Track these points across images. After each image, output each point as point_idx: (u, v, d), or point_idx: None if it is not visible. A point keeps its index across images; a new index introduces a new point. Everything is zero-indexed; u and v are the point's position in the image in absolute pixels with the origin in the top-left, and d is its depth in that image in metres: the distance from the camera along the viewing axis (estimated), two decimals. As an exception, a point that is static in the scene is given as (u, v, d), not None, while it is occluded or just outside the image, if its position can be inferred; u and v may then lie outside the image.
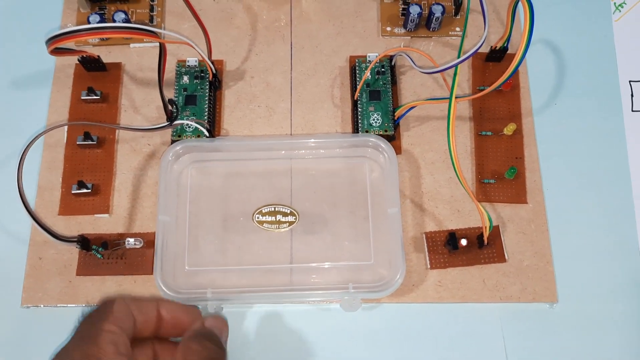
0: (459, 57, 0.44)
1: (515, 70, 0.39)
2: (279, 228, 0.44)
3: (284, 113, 0.48)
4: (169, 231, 0.43)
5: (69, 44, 0.44)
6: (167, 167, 0.44)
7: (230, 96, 0.49)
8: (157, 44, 0.41)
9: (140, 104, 0.49)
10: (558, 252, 0.45)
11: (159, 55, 0.41)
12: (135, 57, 0.50)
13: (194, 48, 0.42)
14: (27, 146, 0.40)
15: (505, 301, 0.43)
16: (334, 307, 0.43)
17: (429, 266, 0.44)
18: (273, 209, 0.44)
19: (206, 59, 0.44)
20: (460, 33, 0.50)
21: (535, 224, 0.45)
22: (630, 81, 0.49)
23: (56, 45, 0.38)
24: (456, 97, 0.40)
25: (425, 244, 0.44)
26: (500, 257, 0.44)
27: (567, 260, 0.44)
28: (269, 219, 0.44)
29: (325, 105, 0.49)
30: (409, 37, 0.50)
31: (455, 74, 0.41)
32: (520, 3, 0.40)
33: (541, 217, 0.45)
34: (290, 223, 0.44)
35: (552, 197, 0.46)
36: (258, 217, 0.44)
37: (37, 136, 0.40)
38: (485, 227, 0.42)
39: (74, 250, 0.44)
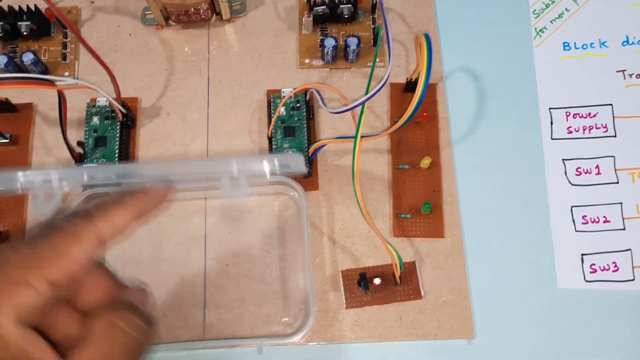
0: (367, 89, 0.43)
1: (417, 109, 0.38)
2: None
3: (200, 150, 0.48)
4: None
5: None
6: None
7: (145, 135, 0.48)
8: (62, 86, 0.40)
9: (52, 145, 0.47)
10: (476, 286, 0.44)
11: (58, 102, 0.40)
12: (49, 96, 0.49)
13: (97, 91, 0.41)
14: None
15: (422, 339, 0.43)
16: (250, 350, 0.43)
17: (345, 305, 0.43)
18: None
19: (113, 101, 0.43)
20: (380, 64, 0.49)
21: (453, 258, 0.45)
22: (550, 108, 0.49)
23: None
24: (362, 137, 0.40)
25: (342, 283, 0.44)
26: (416, 294, 0.43)
27: (485, 294, 0.44)
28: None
29: (242, 140, 0.48)
30: (328, 69, 0.50)
31: (361, 114, 0.40)
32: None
33: (459, 251, 0.45)
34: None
35: (471, 230, 0.46)
36: None
37: None
38: (396, 265, 0.41)
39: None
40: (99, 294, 0.26)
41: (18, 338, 0.23)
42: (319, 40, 0.50)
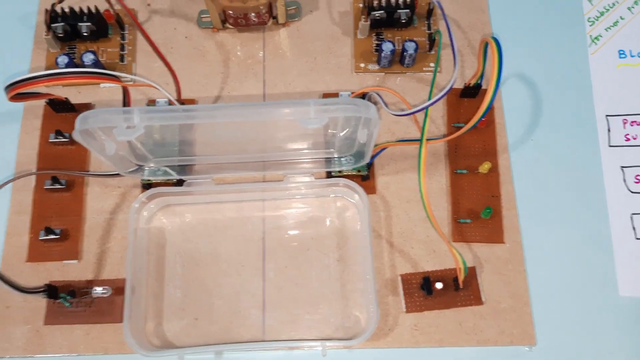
0: (430, 94, 0.44)
1: (485, 114, 0.38)
2: None
3: (256, 152, 0.47)
4: (139, 282, 0.42)
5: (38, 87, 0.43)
6: (134, 221, 0.43)
7: (202, 136, 0.48)
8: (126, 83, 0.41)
9: (110, 145, 0.48)
10: (536, 292, 0.44)
11: (123, 98, 0.41)
12: (106, 97, 0.49)
13: (156, 91, 0.42)
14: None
15: (482, 345, 0.43)
16: (314, 352, 0.42)
17: (404, 309, 0.43)
18: None
19: (174, 101, 0.44)
20: (433, 68, 0.49)
21: (513, 264, 0.44)
22: (607, 115, 0.49)
23: (12, 93, 0.37)
24: (427, 140, 0.40)
25: (401, 287, 0.43)
26: (476, 300, 0.43)
27: (545, 301, 0.44)
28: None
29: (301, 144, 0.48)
30: (383, 74, 0.50)
31: (425, 117, 0.40)
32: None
33: (518, 257, 0.45)
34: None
35: (530, 236, 0.45)
36: None
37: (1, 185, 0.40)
38: (460, 271, 0.41)
39: (41, 298, 0.43)
40: None
41: None
42: (374, 45, 0.50)
